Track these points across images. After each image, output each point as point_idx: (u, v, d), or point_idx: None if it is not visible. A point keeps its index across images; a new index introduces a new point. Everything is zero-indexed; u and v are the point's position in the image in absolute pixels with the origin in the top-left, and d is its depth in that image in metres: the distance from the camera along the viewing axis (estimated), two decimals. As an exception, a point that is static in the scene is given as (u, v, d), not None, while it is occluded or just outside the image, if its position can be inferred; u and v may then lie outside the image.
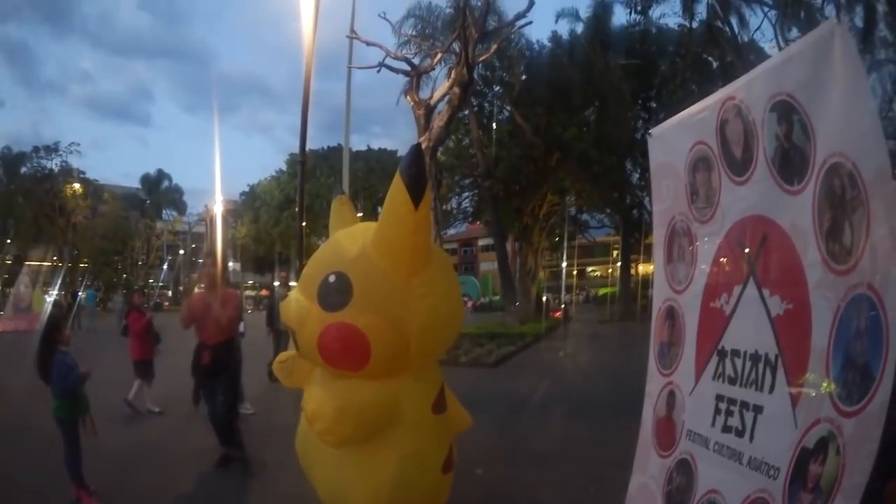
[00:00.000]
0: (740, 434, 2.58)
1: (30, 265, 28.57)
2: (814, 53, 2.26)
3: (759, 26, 24.94)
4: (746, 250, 2.64)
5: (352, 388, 4.19)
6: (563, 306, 39.28)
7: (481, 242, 59.77)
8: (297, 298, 4.42)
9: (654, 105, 32.31)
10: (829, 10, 22.47)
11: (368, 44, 17.15)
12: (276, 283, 11.88)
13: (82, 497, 5.59)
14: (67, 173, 51.61)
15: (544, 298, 38.88)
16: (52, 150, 51.37)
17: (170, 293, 62.46)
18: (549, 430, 8.62)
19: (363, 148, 52.91)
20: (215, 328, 6.76)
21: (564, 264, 52.90)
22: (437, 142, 17.05)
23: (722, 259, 2.78)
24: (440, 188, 25.79)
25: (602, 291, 63.84)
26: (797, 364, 2.33)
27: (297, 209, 14.43)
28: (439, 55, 19.08)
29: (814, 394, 2.22)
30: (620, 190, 32.36)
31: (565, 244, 44.63)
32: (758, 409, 2.51)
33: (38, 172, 51.46)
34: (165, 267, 65.35)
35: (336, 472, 4.46)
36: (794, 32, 23.63)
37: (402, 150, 52.23)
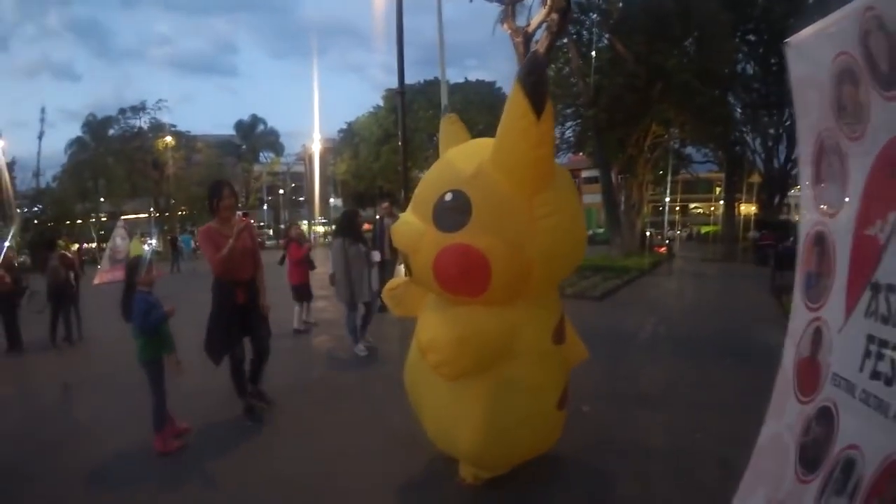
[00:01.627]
0: (889, 382, 2.29)
1: (126, 218, 29.38)
2: None
3: None
4: None
5: (470, 316, 3.96)
6: (667, 242, 38.48)
7: (584, 174, 58.61)
8: (410, 220, 4.17)
9: (754, 38, 30.79)
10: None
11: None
12: (378, 217, 11.99)
13: (164, 441, 5.60)
14: (157, 129, 51.88)
15: (648, 233, 38.21)
16: (139, 109, 51.91)
17: (270, 231, 63.81)
18: (655, 369, 8.48)
19: (460, 80, 52.08)
20: (248, 262, 6.23)
21: (668, 199, 51.70)
22: (539, 69, 16.63)
23: (875, 182, 2.47)
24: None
25: (704, 229, 62.48)
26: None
27: (397, 143, 14.41)
28: (534, -19, 18.36)
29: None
30: (724, 124, 31.04)
31: (669, 178, 43.47)
32: None
33: (127, 132, 51.96)
34: (265, 207, 66.58)
35: (448, 406, 4.29)
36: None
37: (500, 82, 51.63)
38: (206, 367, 6.35)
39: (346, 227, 9.30)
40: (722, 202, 45.09)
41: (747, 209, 44.80)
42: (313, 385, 7.81)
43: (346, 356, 9.15)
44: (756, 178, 39.48)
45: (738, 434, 5.33)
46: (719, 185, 58.37)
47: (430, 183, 4.20)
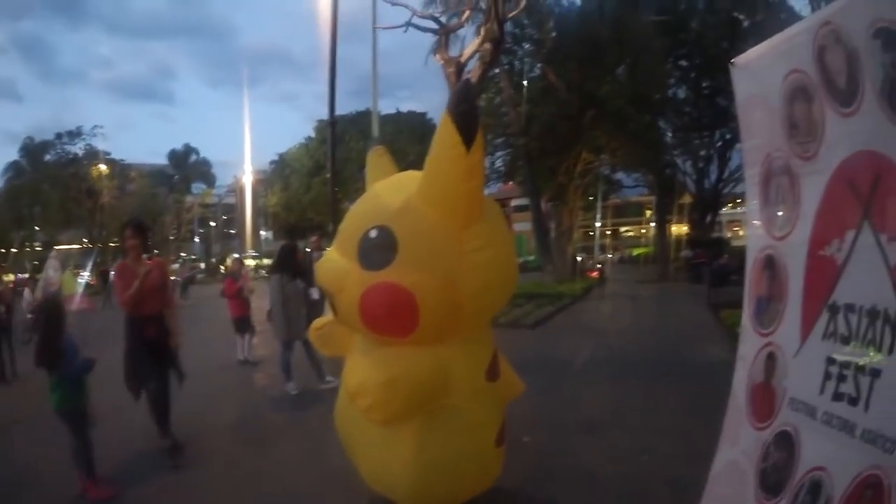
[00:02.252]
0: (854, 402, 2.24)
1: (58, 249, 28.65)
2: None
3: None
4: (859, 191, 2.28)
5: (399, 358, 3.77)
6: (598, 266, 39.05)
7: (514, 202, 59.45)
8: (334, 258, 4.02)
9: (686, 63, 31.77)
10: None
11: (393, 3, 16.87)
12: (308, 249, 11.84)
13: (97, 487, 5.31)
14: (92, 156, 51.47)
15: (579, 258, 38.74)
16: (75, 134, 51.49)
17: (202, 265, 63.24)
18: (595, 394, 8.39)
19: (392, 111, 52.42)
20: (156, 299, 6.33)
21: (598, 224, 52.71)
22: (470, 100, 16.72)
23: (830, 201, 2.41)
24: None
25: (636, 252, 63.79)
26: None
27: (328, 174, 14.26)
28: (467, 12, 18.66)
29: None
30: (655, 149, 31.80)
31: (599, 203, 44.26)
32: (875, 374, 2.17)
33: (63, 158, 51.58)
34: (197, 240, 65.74)
35: (382, 450, 4.08)
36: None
37: (431, 112, 51.99)
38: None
39: (284, 262, 9.09)
40: (653, 224, 46.15)
41: (679, 229, 45.98)
42: (247, 424, 7.51)
43: (280, 394, 8.83)
44: (687, 199, 40.62)
45: (687, 453, 5.20)
46: (650, 208, 59.91)
47: (355, 218, 4.05)
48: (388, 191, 4.03)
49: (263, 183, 61.97)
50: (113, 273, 6.60)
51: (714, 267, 24.68)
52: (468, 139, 3.42)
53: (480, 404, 4.08)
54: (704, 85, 31.53)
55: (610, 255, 59.76)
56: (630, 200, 56.82)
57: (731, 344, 11.81)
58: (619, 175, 40.55)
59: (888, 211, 2.17)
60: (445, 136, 3.49)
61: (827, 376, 2.38)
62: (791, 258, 2.62)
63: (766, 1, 24.71)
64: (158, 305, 6.37)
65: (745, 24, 27.70)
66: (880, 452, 2.08)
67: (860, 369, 2.23)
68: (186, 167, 70.92)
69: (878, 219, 2.20)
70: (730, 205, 51.07)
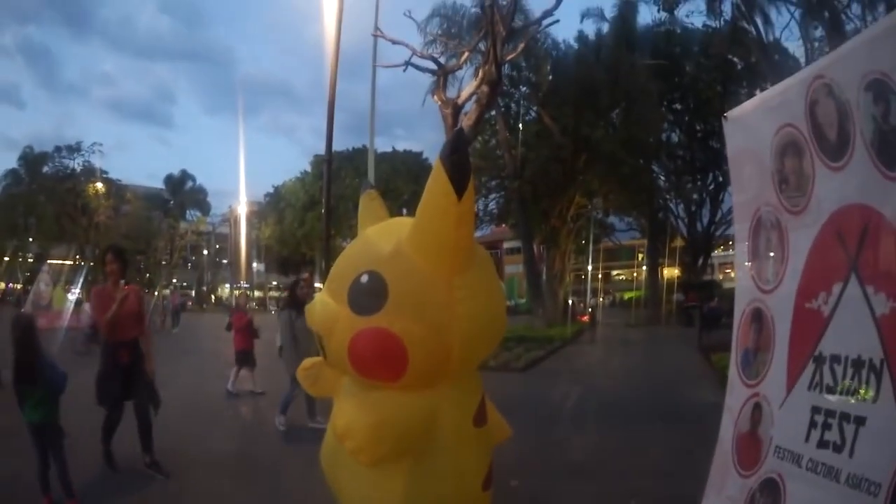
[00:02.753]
0: (839, 449, 2.31)
1: (51, 263, 28.82)
2: None
3: (787, 25, 24.61)
4: (847, 244, 2.35)
5: (387, 402, 3.79)
6: (589, 310, 39.08)
7: (506, 245, 59.65)
8: (325, 301, 3.99)
9: (680, 107, 32.21)
10: (855, 7, 22.50)
11: (394, 42, 17.02)
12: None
13: None
14: (90, 173, 52.33)
15: (570, 302, 38.77)
16: (74, 149, 52.50)
17: (193, 293, 63.06)
18: (584, 438, 8.39)
19: (388, 150, 52.92)
20: (131, 325, 6.45)
21: (590, 267, 52.92)
22: (466, 141, 16.88)
23: (819, 254, 2.48)
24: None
25: (627, 295, 63.82)
26: (905, 370, 2.08)
27: (322, 210, 14.33)
28: (466, 54, 18.94)
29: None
30: (648, 192, 32.09)
31: (591, 247, 44.51)
32: (860, 421, 2.25)
33: (61, 172, 52.42)
34: (189, 267, 65.81)
35: (369, 493, 4.05)
36: (820, 31, 23.72)
37: (427, 152, 52.32)
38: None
39: (293, 298, 9.19)
40: (644, 268, 46.31)
41: (670, 273, 46.24)
42: (233, 458, 7.44)
43: (271, 429, 8.76)
44: (679, 243, 40.92)
45: (673, 496, 5.25)
46: (641, 252, 60.16)
47: (346, 262, 4.05)
48: (379, 236, 4.04)
49: (258, 214, 62.11)
50: (91, 295, 6.73)
51: (705, 310, 24.81)
52: (459, 188, 3.42)
53: (467, 449, 4.06)
54: (698, 128, 32.03)
55: (601, 299, 59.78)
56: (622, 244, 57.07)
57: (721, 387, 11.84)
58: (612, 219, 40.83)
59: (876, 263, 2.24)
60: (437, 184, 3.50)
61: (812, 425, 2.44)
62: (778, 311, 2.68)
63: (761, 43, 25.03)
64: (134, 331, 6.48)
65: (740, 66, 28.27)
66: (865, 496, 2.14)
67: (845, 417, 2.29)
68: (182, 193, 71.09)
69: (866, 271, 2.27)
70: (721, 248, 51.47)
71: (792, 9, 24.29)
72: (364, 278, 3.68)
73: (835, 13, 22.15)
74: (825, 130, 2.44)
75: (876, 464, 2.14)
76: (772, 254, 2.76)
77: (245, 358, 11.78)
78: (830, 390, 2.37)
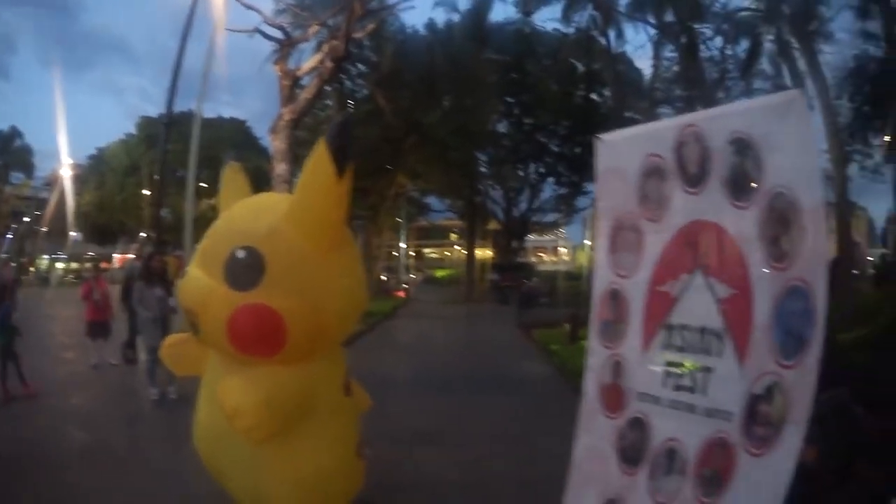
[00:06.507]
0: (692, 391, 3.03)
1: None
2: (776, 109, 2.84)
3: (642, 46, 26.93)
4: (696, 247, 3.10)
5: (272, 377, 3.81)
6: (404, 286, 39.85)
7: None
8: (198, 276, 3.98)
9: (513, 100, 33.76)
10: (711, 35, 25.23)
11: (247, 7, 16.80)
12: (131, 255, 11.81)
13: None
14: None
15: (383, 278, 39.37)
16: None
17: (14, 265, 56.53)
18: (423, 408, 8.72)
19: (213, 115, 50.43)
20: None
21: (404, 245, 53.67)
22: (301, 114, 17.15)
23: (671, 252, 3.21)
24: (297, 162, 25.57)
25: (439, 273, 65.21)
26: (742, 335, 2.82)
27: (148, 176, 14.04)
28: (315, 27, 18.86)
29: (758, 355, 2.74)
30: (470, 177, 33.29)
31: (406, 225, 45.17)
32: (708, 370, 2.97)
33: None
34: (9, 237, 58.63)
35: (254, 468, 4.07)
36: (671, 51, 26.02)
37: (252, 120, 50.42)
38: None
39: (147, 270, 9.36)
40: (457, 247, 47.66)
41: (483, 253, 47.93)
42: (103, 443, 7.07)
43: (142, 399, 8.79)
44: (494, 225, 42.65)
45: (525, 455, 5.69)
46: (454, 232, 61.84)
47: (219, 237, 4.07)
48: (251, 212, 4.13)
49: (80, 178, 56.73)
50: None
51: (524, 289, 26.13)
52: (341, 167, 3.64)
53: (342, 417, 4.31)
54: (525, 122, 33.68)
55: (413, 276, 60.89)
56: (436, 224, 58.10)
57: (545, 359, 12.83)
58: (430, 199, 41.88)
59: (718, 263, 2.99)
60: (320, 164, 3.66)
61: (668, 374, 3.18)
62: (633, 292, 3.37)
63: (608, 52, 26.92)
64: None
65: (580, 70, 30.15)
66: (722, 422, 2.86)
67: (696, 368, 3.05)
68: (9, 152, 61.25)
69: (710, 268, 3.02)
70: (536, 233, 53.91)
71: (649, 29, 26.19)
72: (241, 253, 3.75)
73: (692, 39, 24.27)
74: (688, 164, 3.15)
75: (727, 399, 2.84)
76: (629, 249, 3.43)
77: (96, 330, 11.57)
78: (681, 350, 3.11)
